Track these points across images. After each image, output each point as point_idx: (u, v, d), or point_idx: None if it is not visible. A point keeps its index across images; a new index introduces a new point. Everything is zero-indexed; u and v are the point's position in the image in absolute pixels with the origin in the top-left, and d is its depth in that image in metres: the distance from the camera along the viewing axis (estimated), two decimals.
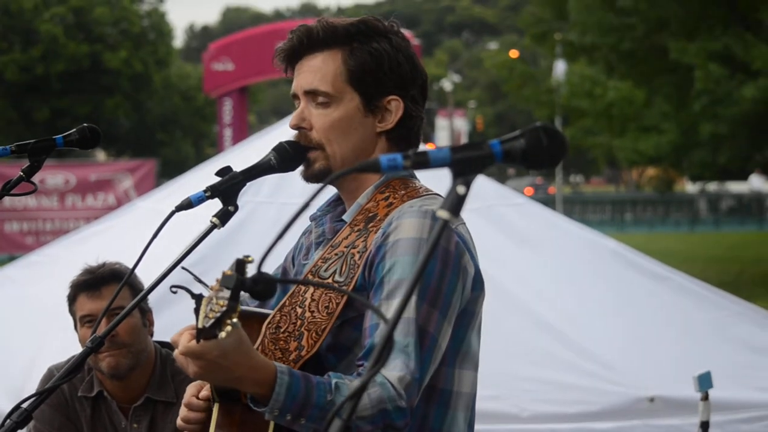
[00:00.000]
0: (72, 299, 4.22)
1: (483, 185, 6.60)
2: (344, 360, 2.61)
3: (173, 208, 2.72)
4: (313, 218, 2.89)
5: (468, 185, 1.76)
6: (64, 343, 4.93)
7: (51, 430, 4.18)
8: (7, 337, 6.22)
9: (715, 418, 4.94)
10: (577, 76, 24.65)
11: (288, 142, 2.76)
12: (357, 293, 2.59)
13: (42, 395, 2.75)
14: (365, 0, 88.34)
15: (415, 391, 2.49)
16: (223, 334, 2.25)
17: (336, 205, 2.86)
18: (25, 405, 2.71)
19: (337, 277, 2.64)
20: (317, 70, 2.73)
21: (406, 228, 2.58)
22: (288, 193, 6.06)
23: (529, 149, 1.85)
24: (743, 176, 39.58)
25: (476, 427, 2.76)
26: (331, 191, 2.87)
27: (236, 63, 29.87)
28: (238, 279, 2.14)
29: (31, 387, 4.63)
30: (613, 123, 23.60)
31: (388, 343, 1.70)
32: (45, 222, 22.91)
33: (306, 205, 1.78)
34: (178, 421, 2.78)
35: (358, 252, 2.63)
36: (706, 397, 4.65)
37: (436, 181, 2.73)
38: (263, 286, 2.09)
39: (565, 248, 6.67)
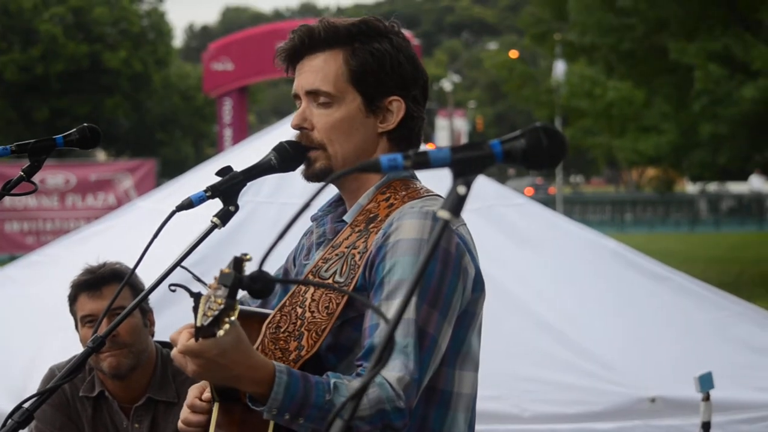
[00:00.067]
0: (73, 299, 4.22)
1: (483, 185, 6.60)
2: (344, 360, 2.61)
3: (174, 208, 2.72)
4: (314, 218, 2.90)
5: (468, 185, 1.76)
6: (65, 343, 4.94)
7: (52, 430, 4.18)
8: (8, 337, 6.22)
9: (716, 418, 4.94)
10: (577, 76, 24.64)
11: (288, 142, 2.76)
12: (357, 294, 2.59)
13: (43, 395, 2.75)
14: (365, 0, 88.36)
15: (414, 392, 2.49)
16: (221, 332, 2.25)
17: (337, 205, 2.86)
18: (26, 405, 2.71)
19: (337, 278, 2.64)
20: (319, 70, 2.73)
21: (406, 229, 2.58)
22: (288, 193, 6.07)
23: (530, 149, 1.85)
24: (743, 177, 39.59)
25: (477, 427, 2.76)
26: (332, 191, 2.87)
27: (236, 63, 29.87)
28: (235, 277, 2.14)
29: (33, 387, 4.63)
30: (613, 123, 23.60)
31: (389, 344, 1.70)
32: (45, 222, 22.91)
33: (307, 205, 1.78)
34: (179, 423, 2.78)
35: (359, 252, 2.63)
36: (707, 398, 4.65)
37: (437, 181, 2.74)
38: (261, 285, 2.09)
39: (566, 248, 6.67)
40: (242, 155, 6.27)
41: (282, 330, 2.63)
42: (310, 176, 2.75)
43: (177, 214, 2.72)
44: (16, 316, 6.39)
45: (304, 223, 2.81)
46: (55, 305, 4.70)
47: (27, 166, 3.08)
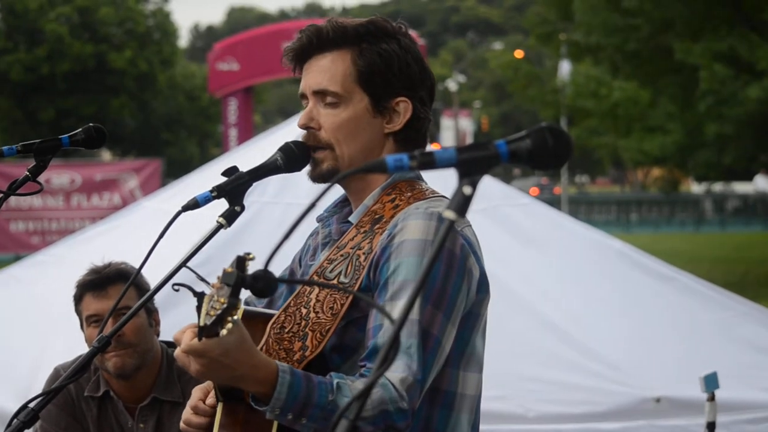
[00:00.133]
0: (78, 299, 4.23)
1: (488, 185, 6.60)
2: (349, 360, 2.61)
3: (180, 208, 2.72)
4: (319, 219, 2.90)
5: (474, 186, 1.76)
6: (70, 342, 4.94)
7: (58, 430, 4.18)
8: (13, 337, 6.23)
9: (721, 418, 4.94)
10: (582, 76, 24.61)
11: (294, 143, 2.76)
12: (362, 294, 2.59)
13: (49, 395, 2.76)
14: (370, 0, 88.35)
15: (417, 393, 2.49)
16: (224, 332, 2.26)
17: (343, 206, 2.86)
18: (31, 405, 2.71)
19: (342, 278, 2.64)
20: (326, 70, 2.73)
21: (411, 229, 2.58)
22: (294, 194, 6.07)
23: (535, 150, 1.85)
24: (748, 177, 39.53)
25: (482, 427, 2.75)
26: (338, 191, 2.87)
27: (241, 63, 29.86)
28: (238, 276, 2.14)
29: (38, 387, 4.64)
30: (619, 123, 23.59)
31: (394, 345, 1.70)
32: (51, 222, 22.94)
33: (313, 205, 1.78)
34: (181, 422, 2.78)
35: (364, 253, 2.63)
36: (712, 398, 4.64)
37: (442, 182, 2.74)
38: (264, 284, 2.09)
39: (571, 248, 6.67)
40: (247, 155, 6.29)
41: (286, 330, 2.63)
42: (316, 177, 2.75)
43: (183, 214, 2.72)
44: (21, 316, 6.40)
45: (310, 223, 2.81)
46: (60, 305, 4.71)
47: (32, 166, 3.08)
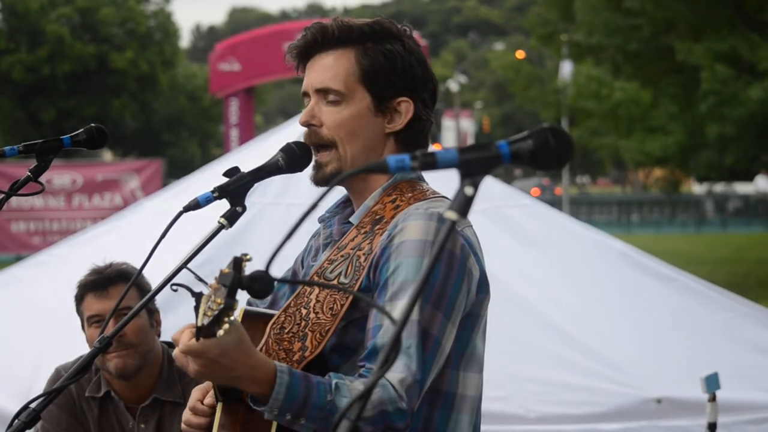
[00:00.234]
0: (79, 299, 4.23)
1: (490, 186, 6.60)
2: (348, 361, 2.61)
3: (181, 209, 2.72)
4: (321, 220, 2.90)
5: (476, 186, 1.76)
6: (71, 343, 4.94)
7: (59, 431, 4.18)
8: (14, 338, 6.22)
9: (723, 419, 4.93)
10: (584, 76, 24.65)
11: (296, 143, 2.76)
12: (362, 295, 2.59)
13: (50, 395, 2.76)
14: (371, 0, 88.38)
15: (417, 393, 2.49)
16: (221, 332, 2.26)
17: (344, 206, 2.86)
18: (33, 405, 2.71)
19: (342, 279, 2.64)
20: (329, 68, 2.73)
21: (411, 230, 2.58)
22: (295, 195, 6.07)
23: (537, 150, 1.85)
24: (750, 177, 39.55)
25: (483, 427, 2.75)
26: (340, 192, 2.87)
27: (242, 63, 29.88)
28: (234, 277, 2.14)
29: (39, 387, 4.64)
30: (620, 124, 23.61)
31: (395, 345, 1.69)
32: (52, 222, 22.94)
33: (315, 205, 1.78)
34: (182, 423, 2.78)
35: (364, 254, 2.63)
36: (713, 398, 4.64)
37: (444, 182, 2.73)
38: (261, 284, 2.09)
39: (572, 249, 6.67)
40: (249, 156, 6.29)
41: (286, 331, 2.63)
42: (320, 181, 2.75)
43: (184, 214, 2.72)
44: (22, 317, 6.40)
45: (312, 224, 2.81)
46: (61, 305, 4.71)
47: (34, 167, 3.08)
